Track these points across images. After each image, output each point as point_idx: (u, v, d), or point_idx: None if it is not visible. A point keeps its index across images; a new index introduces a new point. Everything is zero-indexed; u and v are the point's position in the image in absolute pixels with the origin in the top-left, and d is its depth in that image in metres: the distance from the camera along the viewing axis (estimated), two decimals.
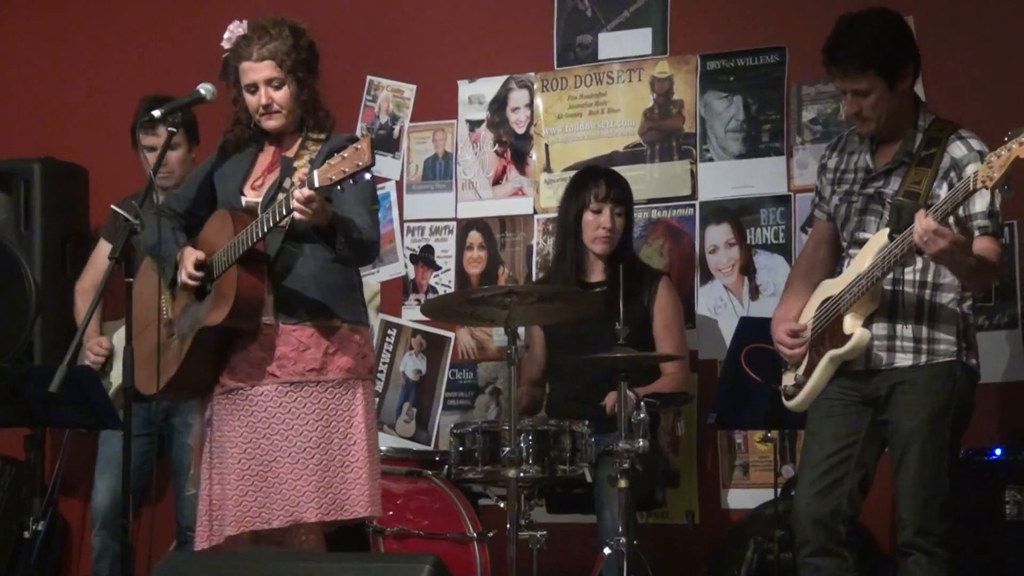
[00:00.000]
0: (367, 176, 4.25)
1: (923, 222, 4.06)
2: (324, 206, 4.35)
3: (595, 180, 5.63)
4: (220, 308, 4.49)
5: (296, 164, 4.51)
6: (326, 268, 4.56)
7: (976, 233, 4.24)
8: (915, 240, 4.10)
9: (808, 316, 4.50)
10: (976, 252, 4.17)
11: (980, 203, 4.21)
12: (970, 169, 4.24)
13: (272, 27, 4.63)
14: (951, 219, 4.13)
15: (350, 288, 4.64)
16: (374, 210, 4.62)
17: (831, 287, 4.47)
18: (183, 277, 4.56)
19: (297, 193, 4.29)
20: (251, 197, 4.62)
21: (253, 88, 4.62)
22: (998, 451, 5.01)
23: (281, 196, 4.43)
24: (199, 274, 4.54)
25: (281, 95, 4.61)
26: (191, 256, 4.55)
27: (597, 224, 5.54)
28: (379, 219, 4.73)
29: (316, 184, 4.27)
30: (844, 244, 4.52)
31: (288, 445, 4.50)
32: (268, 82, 4.60)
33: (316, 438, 4.51)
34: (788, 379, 4.54)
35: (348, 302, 4.61)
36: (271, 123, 4.64)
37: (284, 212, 4.36)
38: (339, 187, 4.25)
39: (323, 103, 4.68)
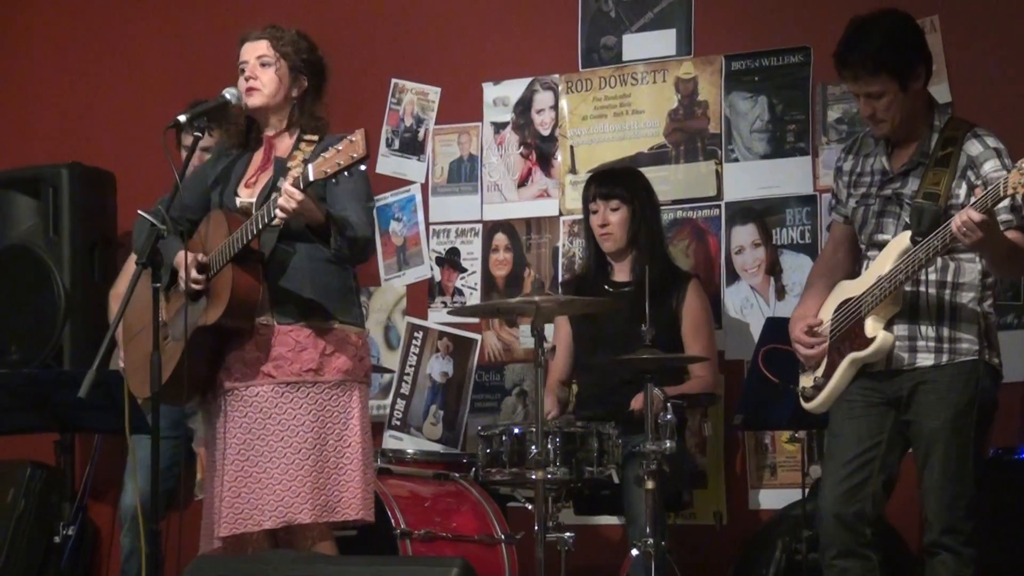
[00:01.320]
0: (362, 168, 4.28)
1: (965, 212, 4.06)
2: (313, 204, 4.36)
3: (588, 183, 5.70)
4: (216, 307, 4.48)
5: (290, 164, 4.52)
6: (322, 268, 4.57)
7: (999, 228, 4.24)
8: (952, 230, 4.10)
9: (826, 317, 4.49)
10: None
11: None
12: (987, 167, 4.25)
13: (280, 26, 4.69)
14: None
15: (347, 290, 4.64)
16: (369, 207, 4.62)
17: (850, 288, 4.46)
18: (187, 281, 4.52)
19: (285, 187, 4.30)
20: (245, 197, 4.64)
21: (244, 66, 4.66)
22: None
23: (275, 196, 4.44)
24: (201, 277, 4.53)
25: (266, 74, 4.63)
26: (192, 262, 4.52)
27: (596, 223, 5.57)
28: (374, 216, 4.73)
29: (311, 178, 4.29)
30: (863, 247, 4.51)
31: (283, 446, 4.49)
32: (258, 58, 4.64)
33: (312, 439, 4.51)
34: (807, 380, 4.53)
35: (345, 303, 4.61)
36: (251, 100, 4.63)
37: (277, 210, 4.37)
38: (333, 180, 4.28)
39: (320, 111, 4.69)
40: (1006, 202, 4.20)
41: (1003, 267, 4.31)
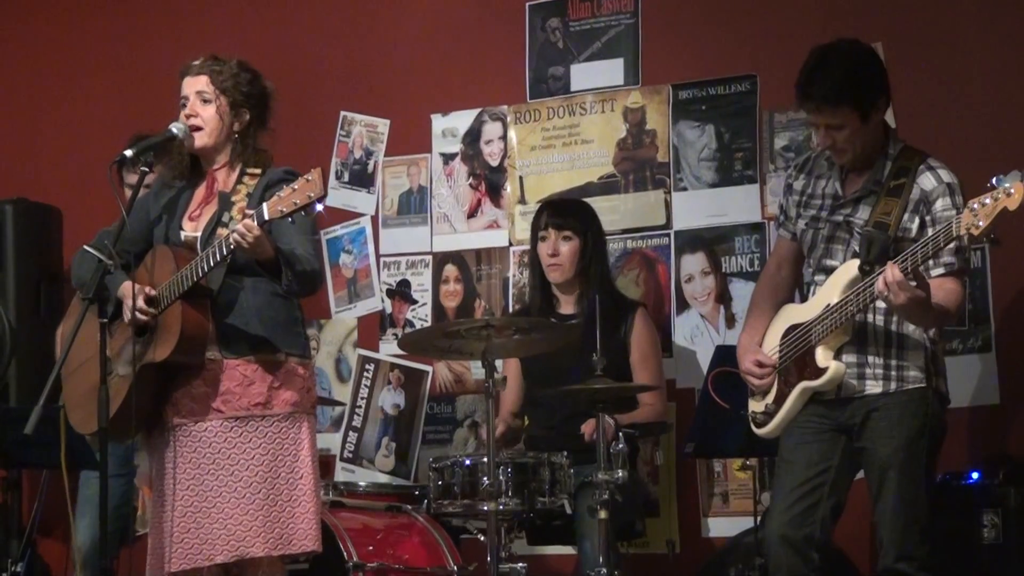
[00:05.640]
0: (319, 207, 4.26)
1: (890, 272, 4.08)
2: (266, 240, 4.34)
3: (540, 211, 5.70)
4: (166, 344, 4.45)
5: (234, 199, 4.51)
6: (268, 302, 4.54)
7: (940, 271, 4.27)
8: (877, 288, 4.12)
9: (773, 342, 4.51)
10: (936, 299, 4.18)
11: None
12: (938, 205, 4.27)
13: (221, 57, 4.66)
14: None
15: (293, 322, 4.62)
16: (315, 240, 4.61)
17: (797, 313, 4.47)
18: (132, 312, 4.47)
19: (242, 224, 4.28)
20: (189, 231, 4.61)
21: (185, 102, 4.63)
22: (975, 475, 5.01)
23: (221, 231, 4.42)
24: (151, 310, 4.49)
25: (207, 111, 4.61)
26: (140, 292, 4.48)
27: (545, 251, 5.57)
28: (321, 249, 4.71)
29: (266, 217, 4.27)
30: (809, 270, 4.53)
31: (234, 480, 4.47)
32: (198, 94, 4.61)
33: (263, 472, 4.48)
34: (757, 406, 4.54)
35: (291, 335, 4.59)
36: (195, 141, 4.62)
37: (231, 245, 4.34)
38: (290, 219, 4.26)
39: (261, 144, 4.66)
40: (952, 244, 4.22)
41: (926, 326, 4.33)
